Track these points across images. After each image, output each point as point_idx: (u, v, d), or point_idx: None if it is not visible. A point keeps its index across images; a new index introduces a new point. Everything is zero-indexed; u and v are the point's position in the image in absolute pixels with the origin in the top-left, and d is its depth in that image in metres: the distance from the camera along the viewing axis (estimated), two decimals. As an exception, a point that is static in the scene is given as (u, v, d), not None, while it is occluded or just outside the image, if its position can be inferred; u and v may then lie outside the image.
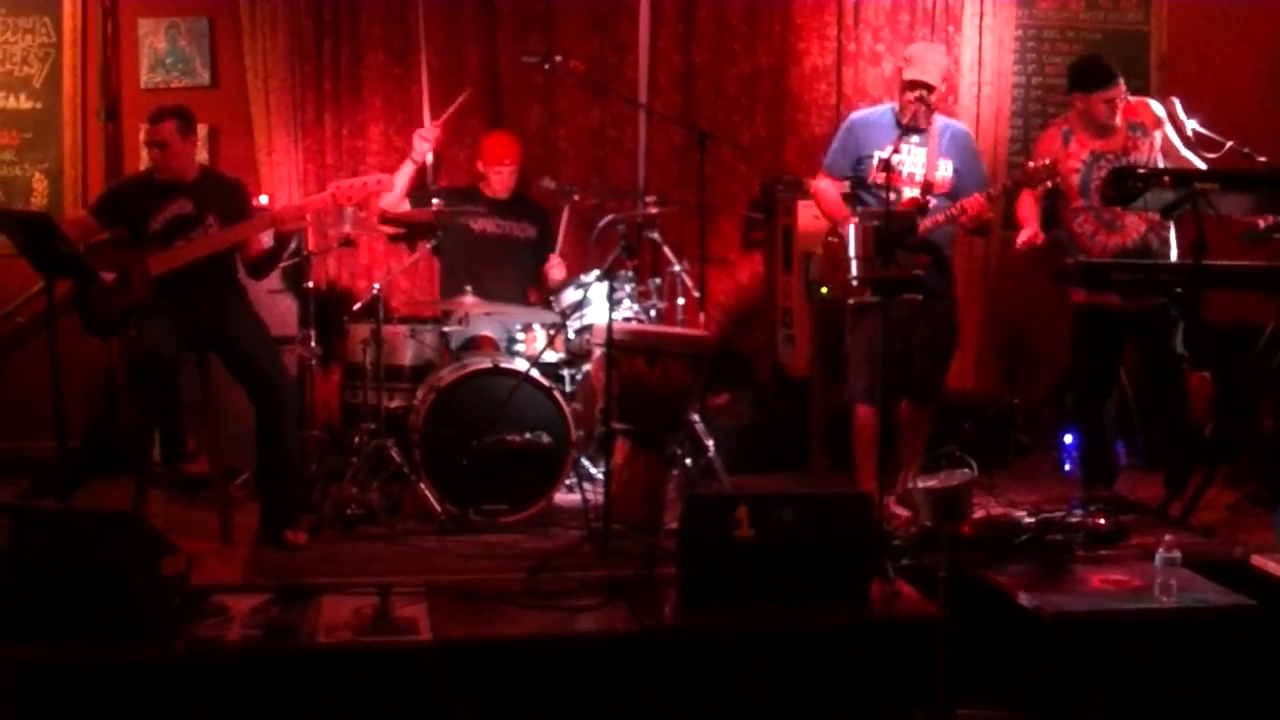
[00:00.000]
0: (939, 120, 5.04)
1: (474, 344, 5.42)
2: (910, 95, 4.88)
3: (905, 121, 4.88)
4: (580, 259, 5.85)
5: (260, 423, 4.62)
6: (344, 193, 4.70)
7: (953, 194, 4.94)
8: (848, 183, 5.15)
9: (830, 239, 5.05)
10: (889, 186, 4.51)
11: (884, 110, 5.11)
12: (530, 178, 5.84)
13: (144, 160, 5.76)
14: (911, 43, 6.30)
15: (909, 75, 4.91)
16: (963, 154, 5.02)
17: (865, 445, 5.02)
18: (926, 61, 4.94)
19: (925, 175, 4.92)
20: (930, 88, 4.88)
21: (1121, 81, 5.09)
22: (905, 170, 4.91)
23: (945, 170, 4.96)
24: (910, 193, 4.90)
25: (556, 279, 5.58)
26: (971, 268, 6.43)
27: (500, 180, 5.65)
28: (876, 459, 4.65)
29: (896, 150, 4.67)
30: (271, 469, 4.64)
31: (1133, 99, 5.28)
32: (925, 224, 4.85)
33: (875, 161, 4.94)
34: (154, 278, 4.53)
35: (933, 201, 4.90)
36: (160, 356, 4.45)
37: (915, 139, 4.93)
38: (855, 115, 5.24)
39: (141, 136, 4.58)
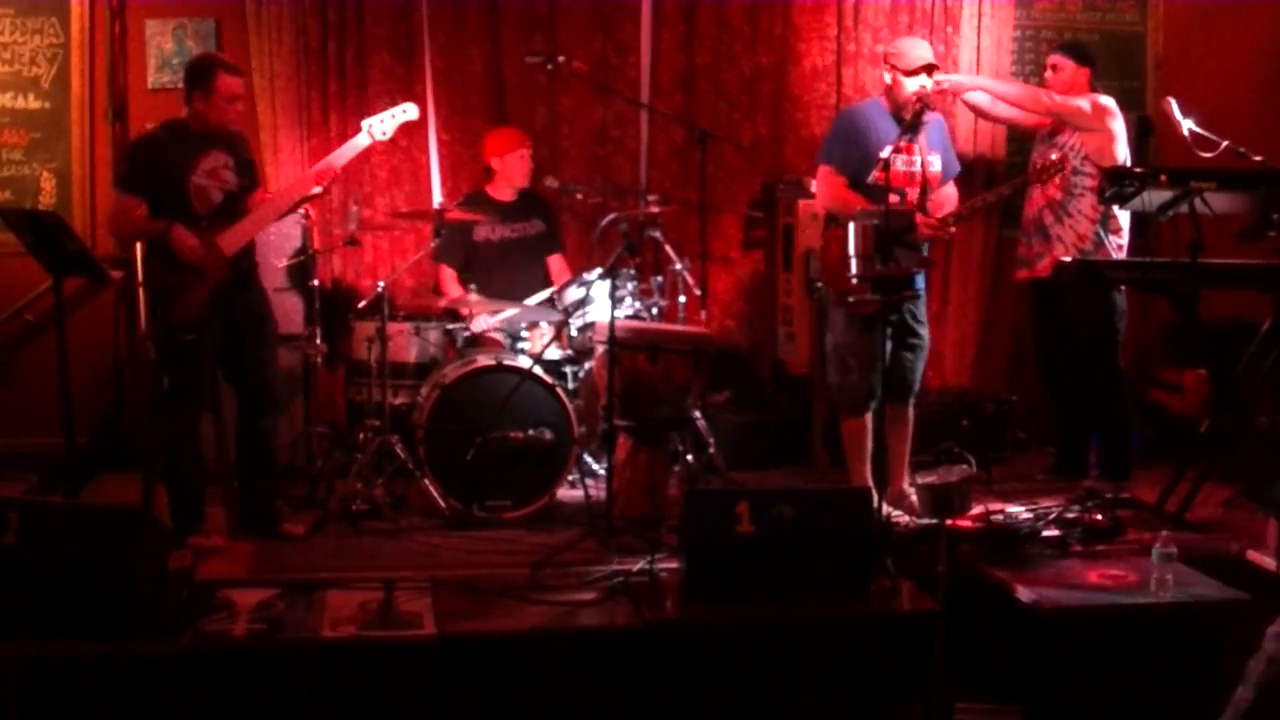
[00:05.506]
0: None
1: (480, 342, 5.44)
2: (913, 85, 4.71)
3: (922, 117, 4.71)
4: (583, 257, 5.90)
5: (246, 425, 4.67)
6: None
7: (939, 185, 4.93)
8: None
9: (829, 233, 4.89)
10: (888, 186, 4.51)
11: (873, 106, 4.94)
12: (535, 176, 5.87)
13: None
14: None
15: (914, 62, 4.71)
16: (944, 143, 4.95)
17: (861, 450, 4.87)
18: (918, 45, 4.84)
19: (922, 172, 4.82)
20: (935, 65, 4.80)
21: (1057, 56, 5.37)
22: (907, 170, 4.80)
23: (936, 164, 4.88)
24: (914, 192, 4.80)
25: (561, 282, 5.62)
26: (969, 266, 6.46)
27: (522, 165, 5.66)
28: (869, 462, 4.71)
29: (907, 151, 4.69)
30: (255, 469, 4.70)
31: (1071, 96, 5.27)
32: (925, 231, 4.70)
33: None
34: (228, 258, 4.46)
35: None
36: (198, 407, 4.57)
37: (909, 135, 4.77)
38: (851, 113, 5.03)
39: (221, 90, 4.41)
